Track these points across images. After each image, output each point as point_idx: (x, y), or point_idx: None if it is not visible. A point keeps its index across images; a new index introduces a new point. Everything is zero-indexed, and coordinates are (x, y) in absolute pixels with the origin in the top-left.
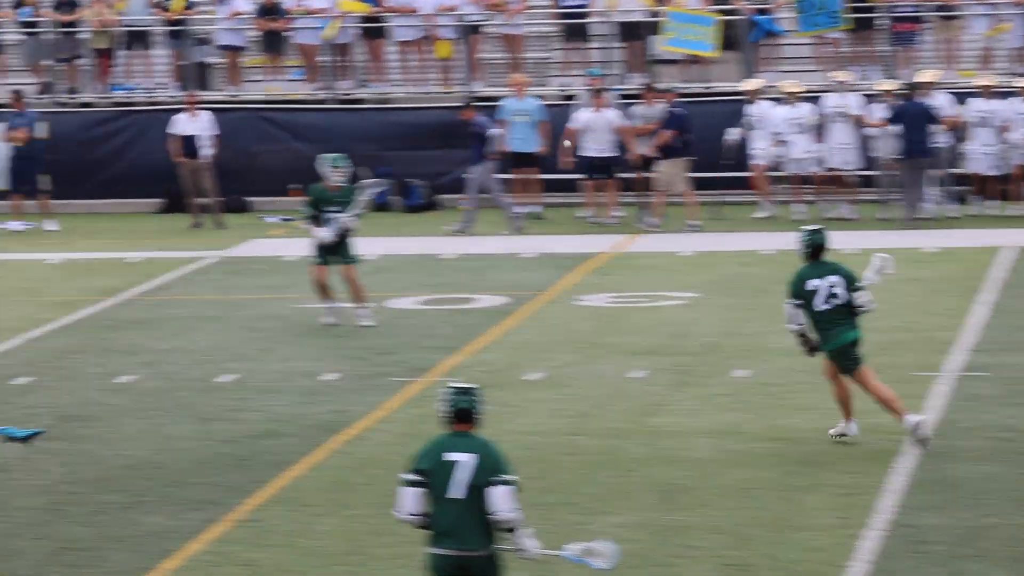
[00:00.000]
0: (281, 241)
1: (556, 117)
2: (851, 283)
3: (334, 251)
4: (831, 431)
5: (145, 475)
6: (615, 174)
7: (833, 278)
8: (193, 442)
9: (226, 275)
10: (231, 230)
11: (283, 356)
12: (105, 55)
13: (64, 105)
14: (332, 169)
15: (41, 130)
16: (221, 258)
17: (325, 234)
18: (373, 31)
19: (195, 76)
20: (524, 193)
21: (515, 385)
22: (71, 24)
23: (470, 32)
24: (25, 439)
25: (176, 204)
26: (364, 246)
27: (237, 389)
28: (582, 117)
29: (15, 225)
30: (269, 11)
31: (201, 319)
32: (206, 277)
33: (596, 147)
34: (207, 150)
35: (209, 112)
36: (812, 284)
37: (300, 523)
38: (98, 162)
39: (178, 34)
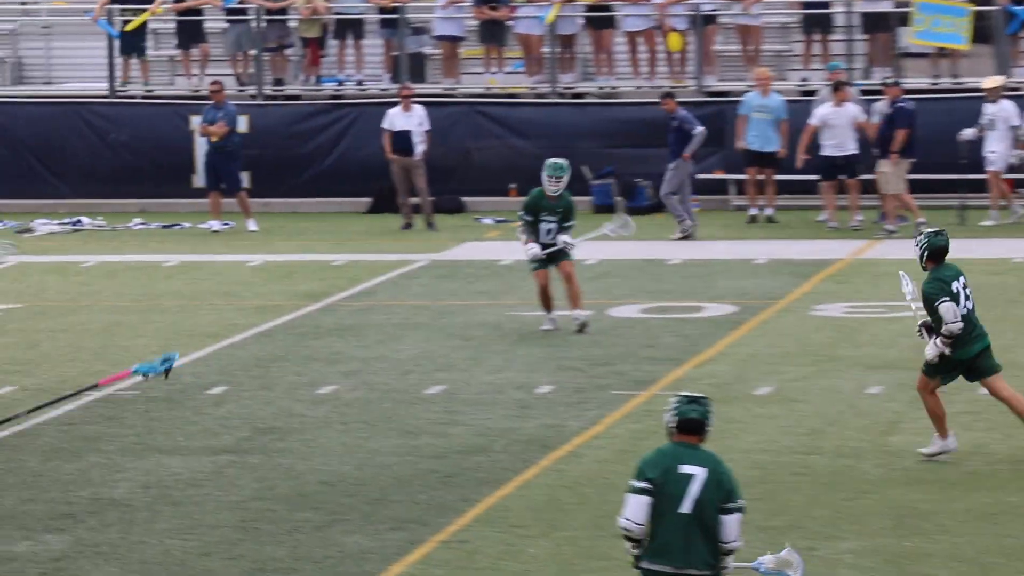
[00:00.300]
0: (497, 244)
1: (793, 114)
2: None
3: (551, 254)
4: (923, 450)
5: (345, 492)
6: (857, 174)
7: (963, 279)
8: (397, 457)
9: (437, 280)
10: (444, 232)
11: (495, 367)
12: (314, 45)
13: (270, 98)
14: (548, 177)
15: (240, 124)
16: (432, 261)
17: (534, 251)
18: (599, 21)
19: (409, 68)
20: (759, 195)
21: (743, 400)
22: (279, 12)
23: (704, 22)
24: (163, 372)
25: (386, 204)
26: (584, 250)
27: (445, 401)
28: (821, 113)
29: (215, 225)
30: None
31: (408, 326)
32: (415, 282)
33: (836, 145)
34: (420, 146)
35: (423, 106)
36: (955, 285)
37: (508, 545)
38: (303, 158)
39: (392, 23)
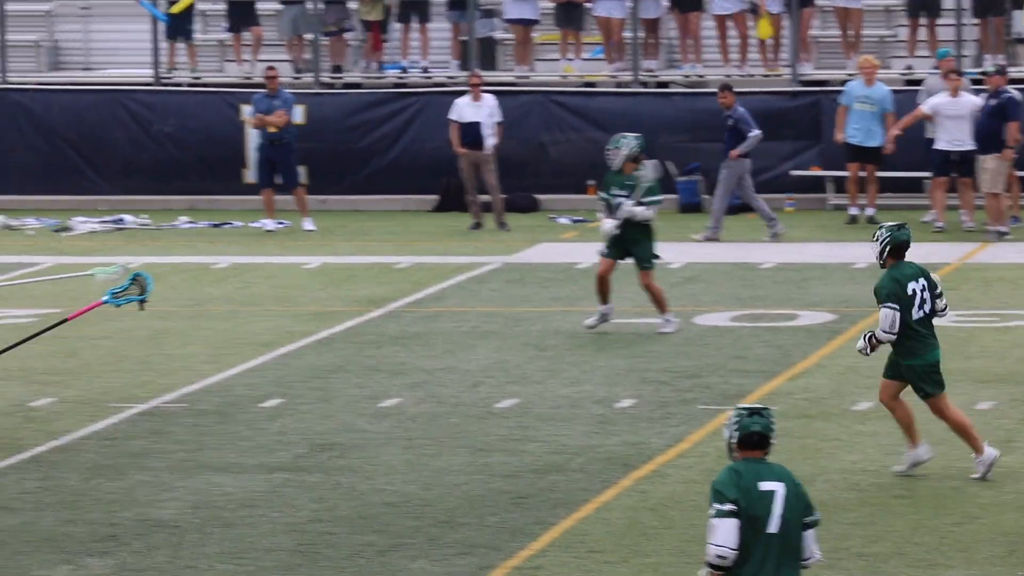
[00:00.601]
0: (574, 245)
1: (897, 104)
2: (933, 287)
3: (626, 248)
4: (897, 468)
5: (409, 514)
6: (974, 172)
7: (923, 281)
8: (465, 476)
9: (509, 284)
10: (516, 232)
11: (572, 379)
12: (376, 28)
13: (327, 86)
14: (606, 149)
15: (296, 114)
16: (504, 264)
17: (606, 226)
18: (686, 3)
19: (479, 54)
20: (860, 193)
21: (841, 416)
22: None
23: (800, 5)
24: (139, 302)
25: (453, 201)
26: (669, 253)
27: (518, 416)
28: (936, 103)
29: (268, 224)
30: None
31: (478, 335)
32: (486, 286)
33: (952, 139)
34: (491, 139)
35: (494, 95)
36: (912, 287)
37: (586, 572)
38: (364, 152)
39: (461, 5)
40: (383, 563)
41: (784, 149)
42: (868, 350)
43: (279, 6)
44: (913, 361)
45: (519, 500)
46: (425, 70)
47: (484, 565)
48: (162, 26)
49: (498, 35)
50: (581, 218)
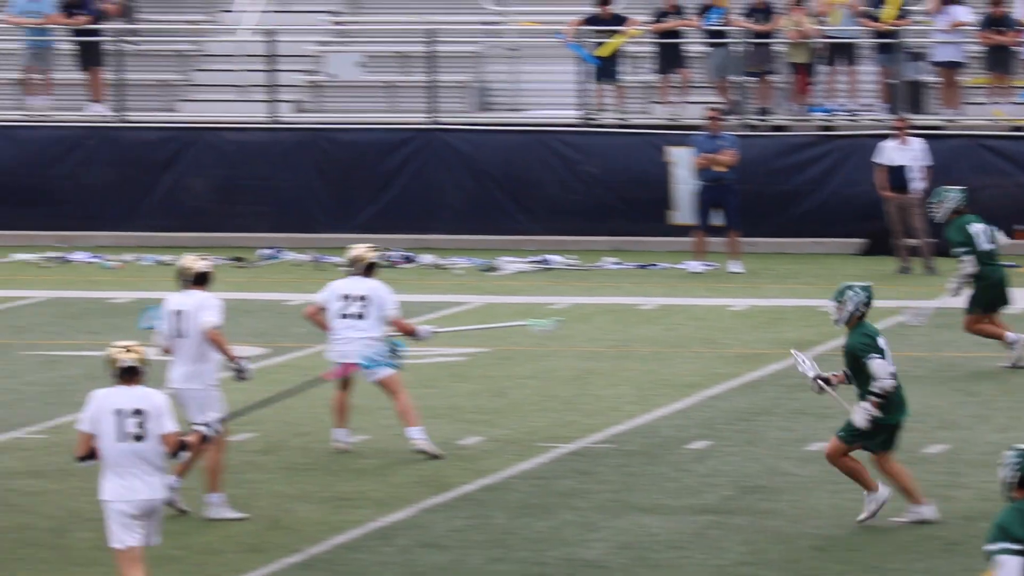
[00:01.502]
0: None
1: None
2: None
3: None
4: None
5: (838, 559)
6: None
7: (884, 339)
8: (894, 522)
9: (938, 328)
10: (944, 276)
11: (1001, 425)
12: (803, 71)
13: (754, 128)
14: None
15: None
16: (935, 309)
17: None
18: None
19: (906, 97)
20: None
21: None
22: (765, 35)
23: None
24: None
25: (881, 245)
26: None
27: (948, 462)
28: None
29: (695, 265)
30: (996, 22)
31: (906, 379)
32: (915, 331)
33: None
34: (918, 183)
35: (921, 139)
36: (881, 342)
37: None
38: (790, 194)
39: (888, 48)
40: None
41: None
42: (876, 412)
43: (706, 48)
44: (893, 417)
45: (949, 547)
46: (852, 113)
47: None
48: (589, 67)
49: (925, 78)
50: (1014, 263)
